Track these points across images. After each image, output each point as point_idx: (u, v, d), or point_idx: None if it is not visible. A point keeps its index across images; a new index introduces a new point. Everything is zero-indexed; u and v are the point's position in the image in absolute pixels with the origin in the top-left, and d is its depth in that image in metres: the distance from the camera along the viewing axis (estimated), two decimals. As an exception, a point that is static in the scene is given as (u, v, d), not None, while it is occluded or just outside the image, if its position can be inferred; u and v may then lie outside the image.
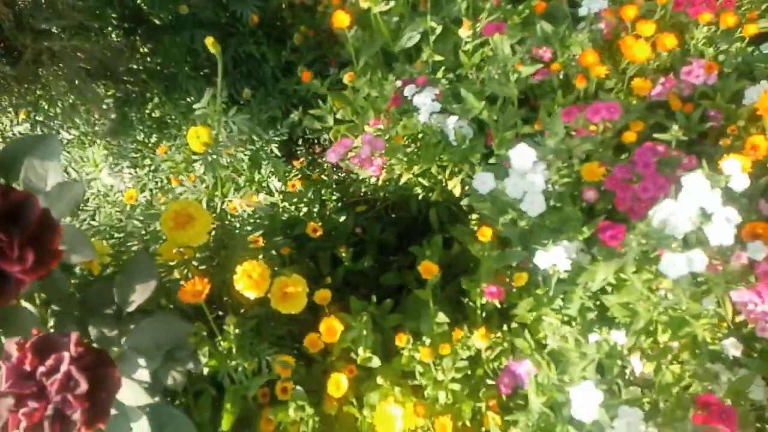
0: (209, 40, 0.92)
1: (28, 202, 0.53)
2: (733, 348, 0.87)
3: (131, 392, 0.70)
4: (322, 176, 1.73)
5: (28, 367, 0.55)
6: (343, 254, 1.45)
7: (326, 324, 0.98)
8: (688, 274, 0.82)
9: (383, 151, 1.32)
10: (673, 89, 1.28)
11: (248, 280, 0.88)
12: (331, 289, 1.14)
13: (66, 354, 0.56)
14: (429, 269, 0.98)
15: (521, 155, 0.86)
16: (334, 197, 1.65)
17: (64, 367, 0.55)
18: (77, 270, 0.90)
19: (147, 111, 2.06)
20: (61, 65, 1.68)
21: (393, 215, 1.75)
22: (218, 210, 1.25)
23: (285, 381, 1.11)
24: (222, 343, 0.95)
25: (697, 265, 0.74)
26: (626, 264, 0.88)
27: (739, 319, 0.92)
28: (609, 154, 1.08)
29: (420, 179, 1.57)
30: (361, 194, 1.78)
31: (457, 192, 1.45)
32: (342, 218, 1.51)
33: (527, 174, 0.85)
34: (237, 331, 0.93)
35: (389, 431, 0.90)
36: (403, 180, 1.54)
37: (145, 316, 0.77)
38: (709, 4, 1.35)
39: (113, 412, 0.77)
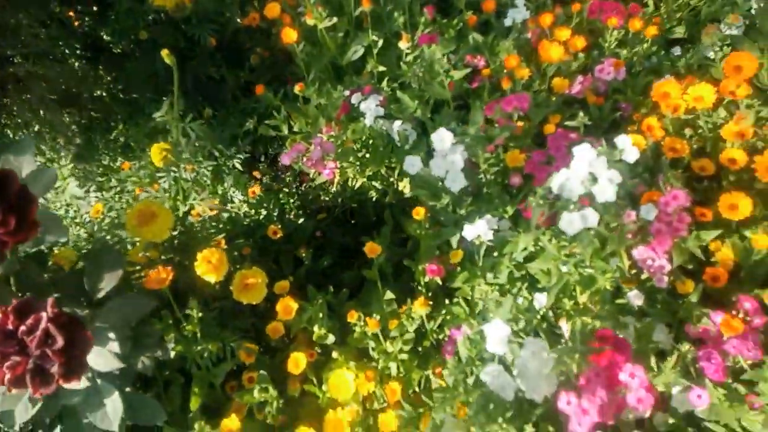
0: (164, 52, 1.04)
1: (8, 177, 0.64)
2: (636, 299, 1.01)
3: (102, 359, 0.80)
4: (283, 188, 1.85)
5: (10, 326, 0.65)
6: (303, 255, 1.56)
7: (282, 304, 1.09)
8: (589, 234, 0.96)
9: (334, 154, 1.45)
10: (589, 87, 1.45)
11: (207, 265, 0.99)
12: (293, 288, 1.25)
13: (44, 314, 0.66)
14: (373, 249, 1.10)
15: (442, 138, 1.00)
16: (294, 204, 1.77)
17: (42, 325, 0.65)
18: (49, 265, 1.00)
19: (111, 137, 2.15)
20: (25, 93, 1.78)
21: (352, 221, 1.87)
22: (181, 215, 1.35)
23: (251, 371, 1.21)
24: (187, 327, 1.05)
25: (590, 221, 0.89)
26: (542, 234, 1.02)
27: (644, 277, 1.06)
28: (528, 142, 1.23)
29: (373, 183, 1.70)
30: (322, 203, 1.89)
31: (407, 192, 1.58)
32: (301, 221, 1.63)
33: (447, 155, 0.99)
34: (200, 314, 1.03)
35: (344, 396, 1.00)
36: (358, 184, 1.67)
37: (113, 298, 0.87)
38: (618, 11, 1.53)
39: (85, 384, 0.86)
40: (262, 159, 2.20)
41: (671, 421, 0.92)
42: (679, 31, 1.73)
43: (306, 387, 1.17)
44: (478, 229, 1.01)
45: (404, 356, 1.12)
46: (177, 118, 1.13)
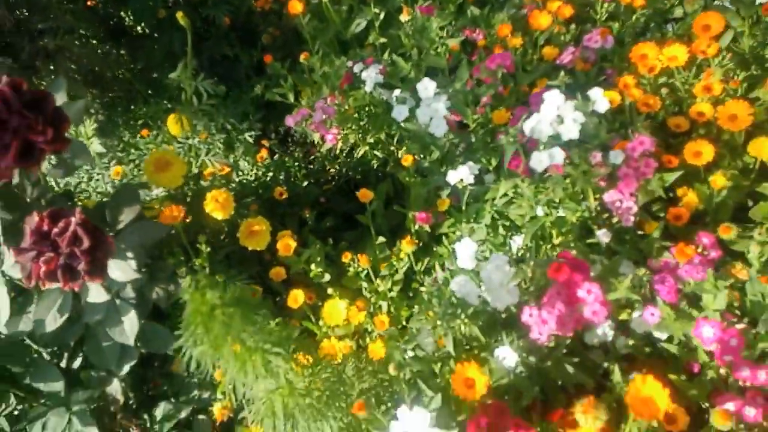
0: (179, 14, 1.18)
1: (46, 97, 0.78)
2: (604, 237, 1.11)
3: (122, 271, 0.94)
4: (291, 157, 1.98)
5: (45, 228, 0.79)
6: (308, 216, 1.69)
7: (282, 242, 1.22)
8: (560, 176, 1.07)
9: (336, 120, 1.57)
10: (579, 56, 1.55)
11: (215, 203, 1.12)
12: (297, 244, 1.37)
13: (73, 219, 0.80)
14: (365, 194, 1.22)
15: (426, 88, 1.12)
16: (301, 172, 1.90)
17: (72, 228, 0.79)
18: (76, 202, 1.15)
19: (132, 114, 2.31)
20: (53, 69, 1.94)
21: (356, 190, 1.98)
22: (193, 172, 1.49)
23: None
24: (197, 262, 1.18)
25: (557, 159, 0.99)
26: (520, 180, 1.13)
27: (615, 220, 1.16)
28: (514, 101, 1.34)
29: (375, 152, 1.81)
30: (328, 174, 2.02)
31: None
32: (306, 186, 1.76)
33: (432, 103, 1.11)
34: (208, 249, 1.16)
35: (336, 321, 1.12)
36: (360, 153, 1.78)
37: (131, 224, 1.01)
38: (608, -16, 1.63)
39: (106, 297, 1.00)
40: (273, 136, 2.34)
41: (631, 342, 1.02)
42: (679, 12, 1.81)
43: (305, 323, 1.29)
44: (461, 174, 1.12)
45: (393, 294, 1.24)
46: (189, 77, 1.26)
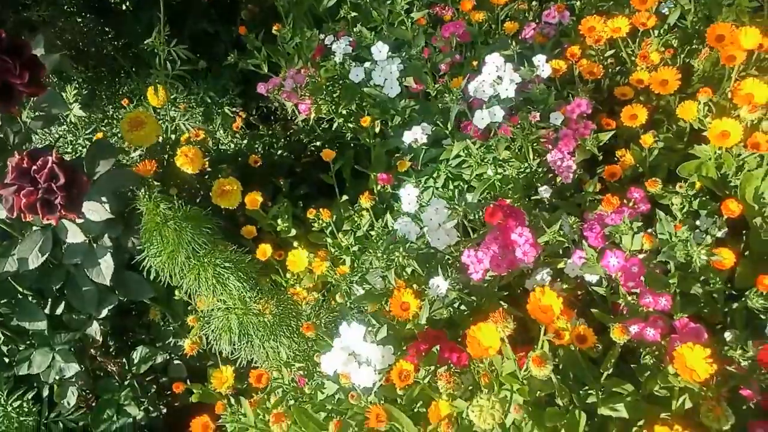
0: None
1: (23, 45, 0.88)
2: (545, 192, 1.22)
3: (97, 212, 1.04)
4: (268, 129, 2.07)
5: (25, 165, 0.89)
6: (282, 183, 1.79)
7: (250, 197, 1.32)
8: (505, 136, 1.17)
9: (308, 89, 1.67)
10: (539, 31, 1.65)
11: (185, 158, 1.22)
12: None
13: (50, 157, 0.90)
14: (328, 154, 1.33)
15: (380, 51, 1.22)
16: (278, 144, 1.99)
17: (49, 165, 0.89)
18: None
19: (115, 89, 2.39)
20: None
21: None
22: (168, 137, 1.59)
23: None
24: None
25: (497, 117, 1.10)
26: (472, 142, 1.24)
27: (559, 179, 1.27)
28: (471, 70, 1.44)
29: (349, 124, 1.91)
30: (304, 144, 2.11)
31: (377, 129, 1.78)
32: (283, 155, 1.86)
33: (385, 66, 1.21)
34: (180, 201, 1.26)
35: (299, 267, 1.23)
36: (335, 126, 1.88)
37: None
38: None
39: (83, 239, 1.10)
40: (255, 113, 2.43)
41: (565, 286, 1.13)
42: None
43: (273, 277, 1.40)
44: (415, 134, 1.23)
45: (356, 248, 1.34)
46: (163, 42, 1.35)
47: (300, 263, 1.24)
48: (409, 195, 1.04)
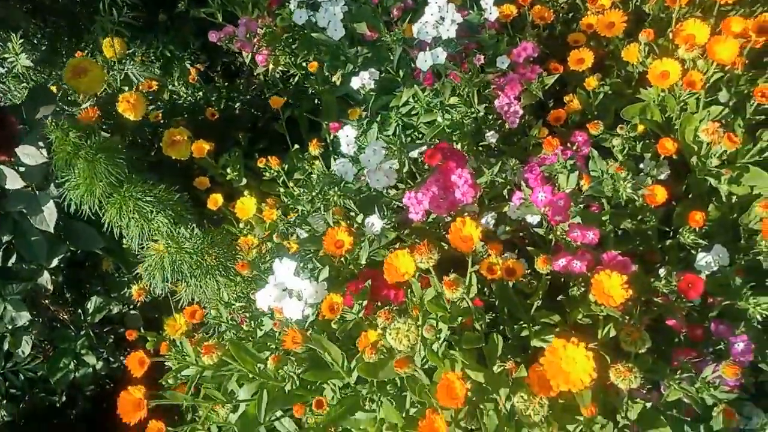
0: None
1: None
2: (492, 138, 1.24)
3: (31, 155, 1.04)
4: (227, 83, 2.06)
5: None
6: (240, 137, 1.79)
7: (197, 145, 1.33)
8: (449, 81, 1.18)
9: (265, 40, 1.65)
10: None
11: (126, 104, 1.22)
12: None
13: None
14: (276, 101, 1.33)
15: (323, -6, 1.22)
16: (238, 98, 1.98)
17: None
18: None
19: (74, 44, 2.34)
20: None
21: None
22: (122, 87, 1.58)
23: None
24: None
25: (440, 59, 1.11)
26: (421, 89, 1.24)
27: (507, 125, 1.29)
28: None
29: (310, 77, 1.90)
30: (265, 99, 2.09)
31: (338, 82, 1.78)
32: (240, 107, 1.85)
33: (329, 7, 1.21)
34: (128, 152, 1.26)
35: (247, 213, 1.24)
36: (295, 80, 1.87)
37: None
38: None
39: (21, 183, 1.11)
40: (219, 69, 2.40)
41: (508, 228, 1.16)
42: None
43: (225, 226, 1.42)
44: (362, 79, 1.23)
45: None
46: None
47: (248, 210, 1.26)
48: (347, 137, 1.06)
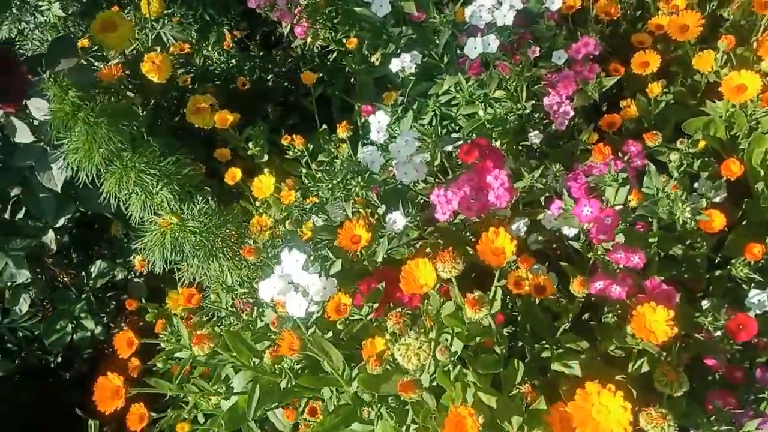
0: None
1: None
2: (536, 138, 1.15)
3: (41, 109, 0.99)
4: (263, 54, 1.99)
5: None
6: (270, 110, 1.72)
7: (220, 115, 1.27)
8: (497, 71, 1.10)
9: (306, 11, 1.58)
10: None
11: (150, 65, 1.16)
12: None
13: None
14: (308, 77, 1.26)
15: (370, -36, 1.13)
16: (272, 69, 1.92)
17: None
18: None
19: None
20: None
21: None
22: (153, 47, 1.53)
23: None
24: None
25: (492, 47, 1.02)
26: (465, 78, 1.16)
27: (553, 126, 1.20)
28: None
29: (350, 55, 1.82)
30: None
31: (377, 62, 1.70)
32: (272, 79, 1.79)
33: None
34: (144, 112, 1.21)
35: (265, 193, 1.18)
36: (333, 57, 1.80)
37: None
38: None
39: (31, 138, 1.06)
40: (257, 39, 2.34)
41: (541, 238, 1.07)
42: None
43: (242, 203, 1.36)
44: (403, 61, 1.15)
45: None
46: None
47: (266, 189, 1.20)
48: (379, 123, 0.98)
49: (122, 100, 1.19)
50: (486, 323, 0.69)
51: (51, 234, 1.27)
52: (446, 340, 0.74)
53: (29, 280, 1.28)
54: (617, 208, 0.87)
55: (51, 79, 0.68)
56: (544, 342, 0.90)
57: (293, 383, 0.85)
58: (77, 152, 0.75)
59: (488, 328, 0.71)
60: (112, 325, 1.50)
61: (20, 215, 1.33)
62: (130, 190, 0.79)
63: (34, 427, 1.46)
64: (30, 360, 1.47)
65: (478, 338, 0.72)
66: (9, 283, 1.26)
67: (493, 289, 0.78)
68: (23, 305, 1.29)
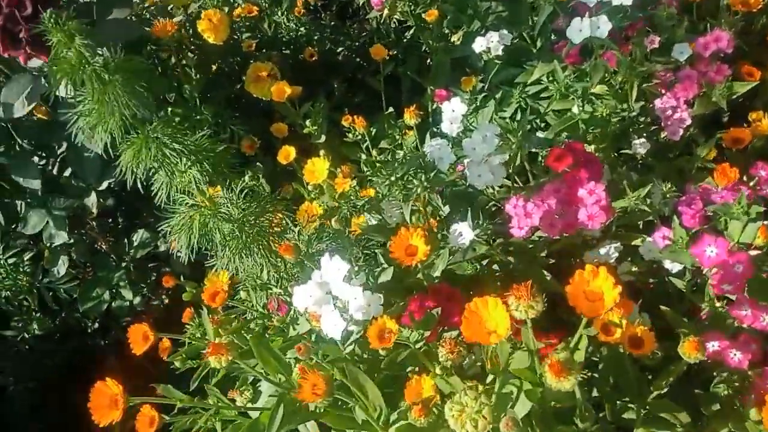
0: None
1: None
2: (641, 147, 0.95)
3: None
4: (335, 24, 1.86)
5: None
6: (336, 86, 1.59)
7: (278, 86, 1.15)
8: (602, 60, 0.91)
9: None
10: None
11: (207, 23, 1.05)
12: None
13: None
14: (378, 51, 1.11)
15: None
16: (344, 43, 1.78)
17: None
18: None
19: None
20: None
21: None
22: (221, 7, 1.42)
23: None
24: (185, 86, 1.14)
25: (602, 31, 0.83)
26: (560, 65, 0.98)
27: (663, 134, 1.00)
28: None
29: (426, 32, 1.66)
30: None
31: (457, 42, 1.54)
32: (342, 52, 1.65)
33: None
34: (198, 75, 1.11)
35: (317, 179, 1.05)
36: (410, 34, 1.64)
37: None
38: None
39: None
40: (333, 8, 2.20)
41: (635, 269, 0.89)
42: None
43: (295, 186, 1.24)
44: (488, 41, 0.98)
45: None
46: None
47: (319, 174, 1.06)
48: (453, 111, 0.82)
49: (169, 60, 1.09)
50: (569, 389, 0.53)
51: (93, 196, 1.19)
52: (511, 393, 0.59)
53: (70, 241, 1.22)
54: (753, 253, 0.68)
55: (51, 20, 0.56)
56: (627, 399, 0.73)
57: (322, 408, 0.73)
58: (90, 114, 0.65)
59: (571, 395, 0.56)
60: (152, 296, 1.44)
61: (66, 173, 1.27)
62: (149, 166, 0.67)
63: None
64: (69, 321, 1.43)
65: (553, 402, 0.57)
66: (48, 244, 1.20)
67: (577, 337, 0.62)
68: (61, 267, 1.23)
